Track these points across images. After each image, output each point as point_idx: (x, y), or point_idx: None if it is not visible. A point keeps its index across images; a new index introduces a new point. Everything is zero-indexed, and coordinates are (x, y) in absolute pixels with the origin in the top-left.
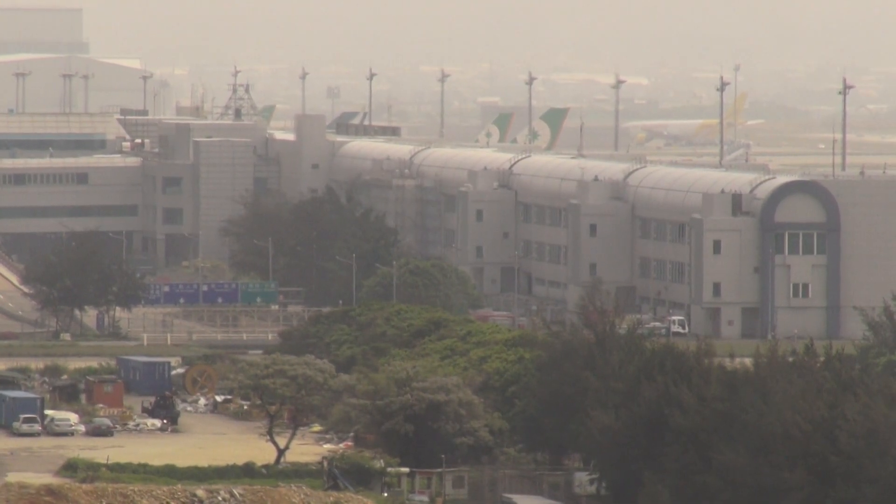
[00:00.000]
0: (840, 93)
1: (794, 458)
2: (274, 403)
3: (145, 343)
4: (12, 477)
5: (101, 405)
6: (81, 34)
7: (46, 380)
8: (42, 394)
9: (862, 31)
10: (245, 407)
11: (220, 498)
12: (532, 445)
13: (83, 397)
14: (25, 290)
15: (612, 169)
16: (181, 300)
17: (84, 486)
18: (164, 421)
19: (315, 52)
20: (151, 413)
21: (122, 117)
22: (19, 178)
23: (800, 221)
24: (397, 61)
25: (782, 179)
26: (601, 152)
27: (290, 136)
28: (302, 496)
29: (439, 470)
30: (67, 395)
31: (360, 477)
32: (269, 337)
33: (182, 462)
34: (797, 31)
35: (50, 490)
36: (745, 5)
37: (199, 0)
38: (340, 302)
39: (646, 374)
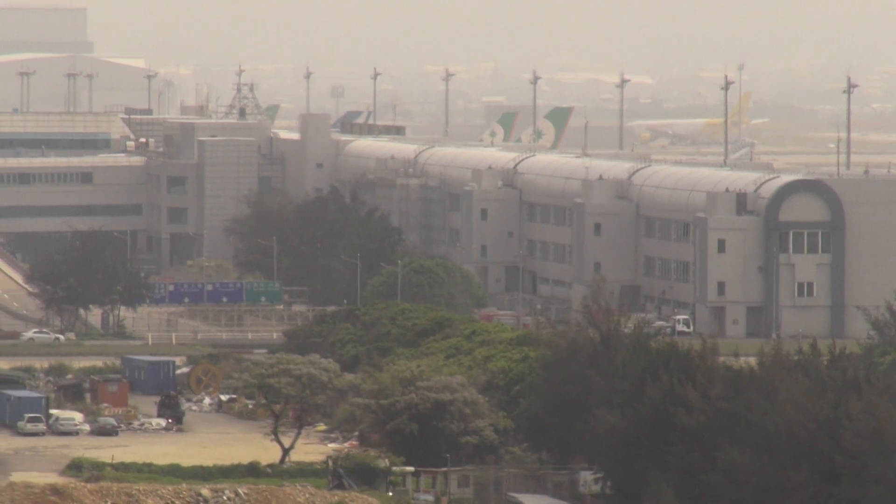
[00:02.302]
0: (844, 92)
1: (798, 457)
2: (279, 403)
3: (150, 342)
4: (17, 476)
5: (105, 404)
6: (86, 33)
7: (51, 379)
8: (47, 393)
9: (866, 31)
10: (250, 406)
11: (224, 497)
12: (537, 444)
13: (88, 397)
14: (30, 289)
15: (617, 168)
16: (186, 299)
17: (89, 485)
18: (169, 420)
19: (319, 51)
20: (158, 412)
21: (127, 116)
22: (24, 178)
23: (804, 220)
24: (402, 61)
25: (787, 178)
26: (606, 151)
27: (295, 136)
28: (307, 495)
29: (444, 469)
30: (72, 394)
31: (365, 476)
32: (274, 336)
33: (187, 461)
34: (801, 30)
35: (55, 489)
36: (750, 4)
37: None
38: (345, 301)
39: (651, 373)
